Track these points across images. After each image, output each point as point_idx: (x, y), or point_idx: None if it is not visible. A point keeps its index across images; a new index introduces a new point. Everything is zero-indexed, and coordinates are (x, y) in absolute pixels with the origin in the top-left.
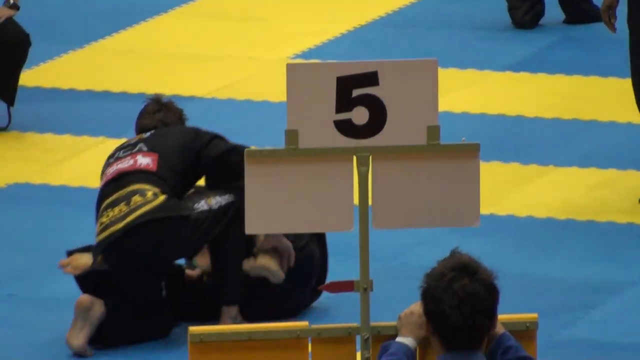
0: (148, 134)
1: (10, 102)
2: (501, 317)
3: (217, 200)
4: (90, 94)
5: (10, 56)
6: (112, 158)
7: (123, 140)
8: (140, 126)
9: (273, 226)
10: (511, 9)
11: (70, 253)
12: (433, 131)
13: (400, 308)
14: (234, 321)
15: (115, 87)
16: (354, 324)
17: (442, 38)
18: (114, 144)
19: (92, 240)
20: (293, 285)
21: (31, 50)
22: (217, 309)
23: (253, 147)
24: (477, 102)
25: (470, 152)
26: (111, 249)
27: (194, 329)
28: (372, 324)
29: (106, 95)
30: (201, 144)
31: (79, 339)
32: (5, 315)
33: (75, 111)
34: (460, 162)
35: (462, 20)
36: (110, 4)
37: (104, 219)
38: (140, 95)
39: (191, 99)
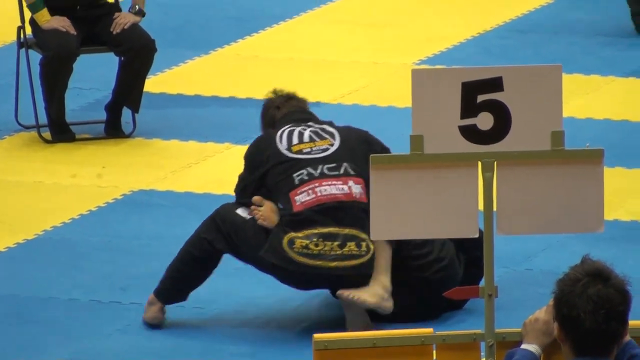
0: (334, 141)
1: (135, 108)
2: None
3: None
4: (215, 100)
5: (136, 62)
6: (317, 165)
7: (246, 147)
8: (274, 118)
9: (398, 231)
10: (634, 15)
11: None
12: (557, 137)
13: (525, 314)
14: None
15: (241, 93)
16: (479, 331)
17: (566, 44)
18: (239, 150)
19: None
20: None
21: (157, 56)
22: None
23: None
24: (601, 107)
25: (594, 158)
26: (302, 277)
27: (318, 335)
28: (497, 330)
29: (232, 101)
30: None
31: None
32: (129, 323)
33: (200, 117)
34: (584, 168)
35: (585, 26)
36: (236, 10)
37: (312, 246)
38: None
39: (317, 104)
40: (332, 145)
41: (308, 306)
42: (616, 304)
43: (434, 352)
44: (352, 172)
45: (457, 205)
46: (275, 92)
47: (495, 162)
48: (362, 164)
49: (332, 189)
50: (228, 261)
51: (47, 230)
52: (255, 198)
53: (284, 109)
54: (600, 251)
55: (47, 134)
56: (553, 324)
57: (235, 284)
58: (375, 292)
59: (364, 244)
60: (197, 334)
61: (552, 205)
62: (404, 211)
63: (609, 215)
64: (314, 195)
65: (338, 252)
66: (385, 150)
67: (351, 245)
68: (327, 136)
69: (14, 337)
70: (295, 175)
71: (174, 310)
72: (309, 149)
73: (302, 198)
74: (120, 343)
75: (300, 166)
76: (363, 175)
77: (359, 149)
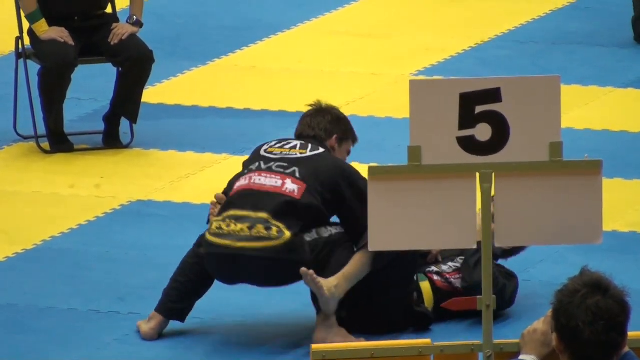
0: (308, 150)
1: (133, 119)
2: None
3: (328, 228)
4: (213, 111)
5: (134, 73)
6: (270, 162)
7: (245, 157)
8: (296, 131)
9: (396, 243)
10: (637, 19)
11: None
12: (555, 148)
13: (524, 325)
14: (329, 330)
15: (239, 104)
16: (477, 341)
17: (564, 54)
18: (237, 160)
19: None
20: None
21: (154, 67)
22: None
23: (376, 164)
24: (599, 118)
25: (592, 169)
26: (216, 260)
27: (316, 346)
28: (495, 341)
29: (229, 111)
30: (347, 196)
31: None
32: (127, 332)
33: (198, 128)
34: (582, 179)
35: (584, 36)
36: (233, 21)
37: (224, 225)
38: (264, 112)
39: None
40: (302, 154)
41: (306, 316)
42: (615, 315)
43: None
44: (297, 176)
45: (455, 217)
46: (314, 103)
47: (493, 173)
48: (317, 177)
49: (266, 180)
50: None
51: (45, 240)
52: (217, 195)
53: (298, 126)
54: (599, 262)
55: (45, 145)
56: (551, 335)
57: (233, 294)
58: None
59: (274, 228)
60: (196, 344)
61: (550, 217)
62: (401, 222)
63: (608, 226)
64: (247, 182)
65: (247, 234)
66: (355, 186)
67: (259, 227)
68: (308, 147)
69: (12, 346)
70: (249, 167)
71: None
72: (279, 152)
73: (239, 183)
74: (119, 353)
75: (257, 160)
76: (309, 183)
77: (324, 167)
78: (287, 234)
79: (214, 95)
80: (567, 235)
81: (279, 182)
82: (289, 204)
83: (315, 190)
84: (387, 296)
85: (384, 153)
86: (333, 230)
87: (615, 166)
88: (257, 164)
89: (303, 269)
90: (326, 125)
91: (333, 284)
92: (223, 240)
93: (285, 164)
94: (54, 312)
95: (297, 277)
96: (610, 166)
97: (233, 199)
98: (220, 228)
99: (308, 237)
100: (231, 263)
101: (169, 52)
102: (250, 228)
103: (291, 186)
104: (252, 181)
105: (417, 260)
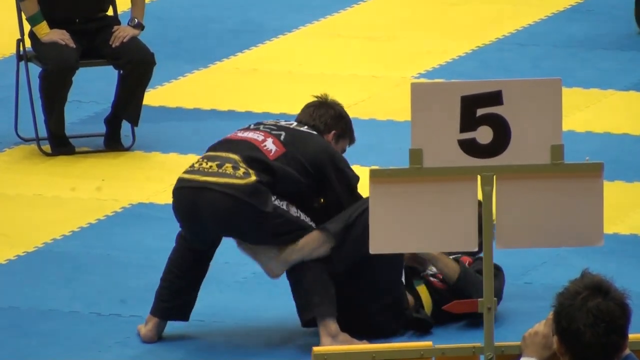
0: (303, 128)
1: (134, 122)
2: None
3: (298, 212)
4: (214, 114)
5: (135, 75)
6: (261, 125)
7: None
8: (296, 118)
9: (397, 245)
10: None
11: None
12: (557, 150)
13: (525, 328)
14: (335, 339)
15: (240, 107)
16: (478, 344)
17: (566, 57)
18: None
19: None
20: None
21: (156, 69)
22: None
23: (377, 167)
24: (601, 121)
25: (594, 172)
26: (181, 193)
27: (317, 348)
28: (496, 343)
29: (231, 114)
30: (332, 178)
31: None
32: (129, 335)
33: (199, 131)
34: (583, 182)
35: (585, 39)
36: (235, 24)
37: (196, 164)
38: (265, 114)
39: None
40: (296, 128)
41: None
42: (616, 317)
43: None
44: (281, 139)
45: (456, 219)
46: (319, 95)
47: (494, 176)
48: (304, 151)
49: (249, 134)
50: (228, 274)
51: (47, 242)
52: None
53: (299, 114)
54: (600, 265)
55: (46, 147)
56: (552, 338)
57: (235, 297)
58: (267, 253)
59: (242, 169)
60: (198, 347)
61: (551, 219)
62: (403, 225)
63: (609, 229)
64: (232, 135)
65: (214, 170)
66: (341, 171)
67: (227, 166)
68: (304, 127)
69: (14, 349)
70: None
71: (175, 323)
72: (273, 122)
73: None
74: (121, 355)
75: (250, 124)
76: (289, 149)
77: (315, 145)
78: (253, 178)
79: (216, 98)
80: (568, 237)
81: (261, 137)
82: (262, 158)
83: (294, 159)
84: (377, 302)
85: (385, 155)
86: (302, 216)
87: (617, 169)
88: (248, 125)
89: None
90: (327, 119)
91: (280, 252)
92: (190, 175)
93: (274, 127)
94: (55, 315)
95: (254, 229)
96: (612, 169)
97: (213, 144)
98: (192, 166)
99: (275, 201)
100: (193, 197)
101: (170, 55)
102: (219, 166)
103: (271, 146)
104: (236, 134)
105: (402, 264)
